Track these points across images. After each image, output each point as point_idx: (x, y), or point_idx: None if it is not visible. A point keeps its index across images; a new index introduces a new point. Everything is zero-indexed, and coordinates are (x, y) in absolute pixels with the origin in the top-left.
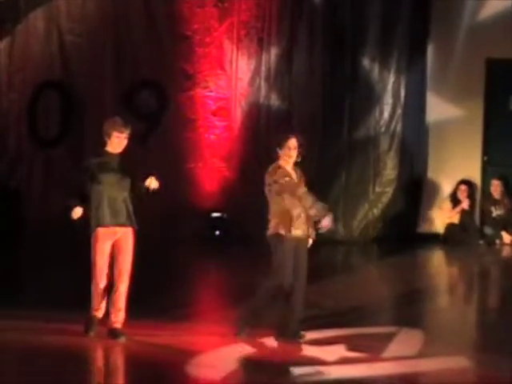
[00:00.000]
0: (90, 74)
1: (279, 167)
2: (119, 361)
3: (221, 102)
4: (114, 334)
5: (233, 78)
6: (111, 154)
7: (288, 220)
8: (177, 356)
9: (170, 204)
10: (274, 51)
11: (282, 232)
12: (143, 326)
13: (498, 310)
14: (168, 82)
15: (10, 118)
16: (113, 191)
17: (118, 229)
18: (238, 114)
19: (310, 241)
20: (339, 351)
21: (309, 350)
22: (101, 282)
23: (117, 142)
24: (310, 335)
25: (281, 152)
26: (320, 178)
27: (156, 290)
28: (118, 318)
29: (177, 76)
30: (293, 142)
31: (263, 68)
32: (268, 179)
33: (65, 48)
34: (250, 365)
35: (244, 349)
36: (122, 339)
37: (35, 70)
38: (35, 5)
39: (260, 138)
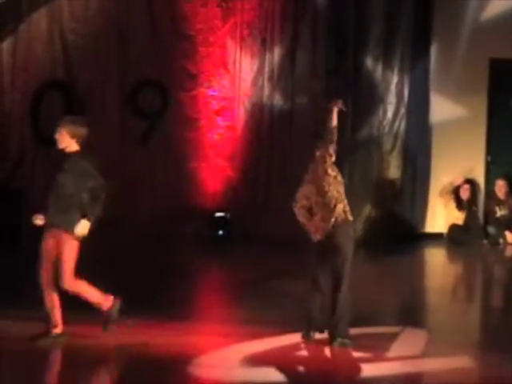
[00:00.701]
0: (92, 74)
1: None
2: (123, 361)
3: (224, 102)
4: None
5: (236, 78)
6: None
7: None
8: (179, 356)
9: (173, 203)
10: (277, 51)
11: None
12: (146, 325)
13: (501, 309)
14: (171, 81)
15: (13, 118)
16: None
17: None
18: (241, 113)
19: None
20: (344, 351)
21: (316, 350)
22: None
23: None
24: (317, 335)
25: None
26: None
27: (158, 289)
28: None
29: (180, 75)
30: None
31: (266, 68)
32: (334, 170)
33: (67, 48)
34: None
35: (247, 349)
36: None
37: (38, 70)
38: (38, 5)
39: (263, 137)
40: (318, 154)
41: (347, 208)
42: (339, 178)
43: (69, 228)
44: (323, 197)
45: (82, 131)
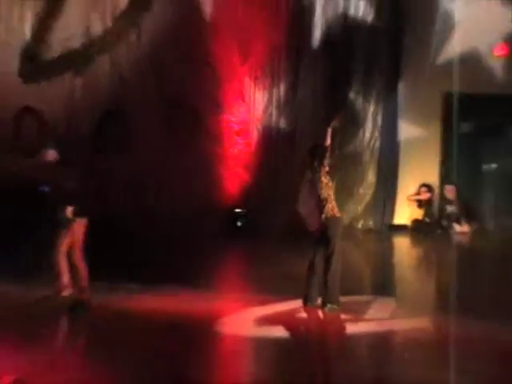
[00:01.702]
0: (140, 104)
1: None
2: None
3: (242, 125)
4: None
5: (251, 107)
6: None
7: None
8: (206, 317)
9: (203, 201)
10: (282, 86)
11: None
12: (179, 293)
13: (453, 281)
14: (203, 108)
15: (82, 138)
16: None
17: None
18: (255, 134)
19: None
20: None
21: (312, 314)
22: None
23: None
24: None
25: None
26: None
27: (188, 265)
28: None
29: (210, 104)
30: None
31: (274, 99)
32: (326, 178)
33: (123, 83)
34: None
35: (259, 309)
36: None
37: (101, 100)
38: (103, 51)
39: (272, 152)
40: (314, 164)
41: (335, 207)
42: (330, 184)
43: None
44: (317, 198)
45: None
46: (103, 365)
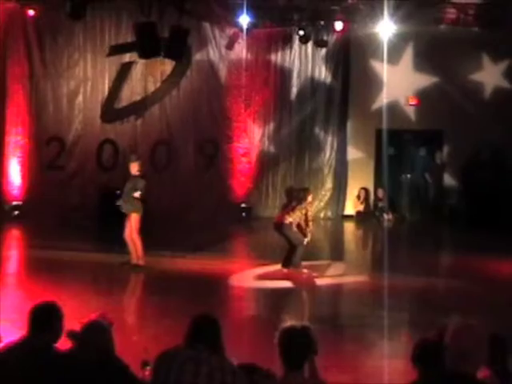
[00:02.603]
0: (180, 138)
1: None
2: (182, 275)
3: (245, 150)
4: (127, 264)
5: (251, 138)
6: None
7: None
8: (219, 274)
9: (220, 199)
10: (271, 125)
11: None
12: (199, 257)
13: (383, 250)
14: (220, 140)
15: (141, 159)
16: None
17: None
18: (254, 156)
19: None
20: (304, 272)
21: (292, 273)
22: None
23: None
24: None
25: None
26: (295, 185)
27: (203, 239)
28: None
29: (224, 137)
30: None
31: (266, 133)
32: (303, 209)
33: (169, 124)
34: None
35: (255, 271)
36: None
37: (153, 135)
38: (155, 102)
39: (264, 165)
40: (292, 204)
41: (303, 227)
42: (303, 212)
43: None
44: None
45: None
46: (156, 302)
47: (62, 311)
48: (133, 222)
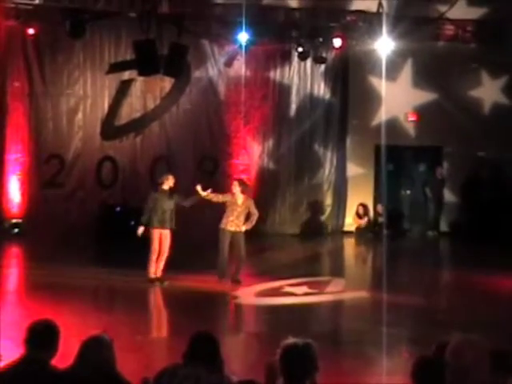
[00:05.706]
0: (179, 154)
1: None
2: (184, 296)
3: (245, 166)
4: (160, 281)
5: (251, 155)
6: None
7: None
8: (221, 291)
9: (219, 216)
10: (270, 141)
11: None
12: (200, 277)
13: (383, 266)
14: (219, 157)
15: (141, 176)
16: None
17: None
18: (253, 172)
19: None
20: (304, 289)
21: (288, 289)
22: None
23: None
24: (289, 282)
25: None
26: (294, 202)
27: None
28: (161, 272)
29: (223, 154)
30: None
31: (265, 150)
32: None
33: (168, 141)
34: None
35: (256, 287)
36: (165, 284)
37: (153, 151)
38: (154, 119)
39: (264, 181)
40: None
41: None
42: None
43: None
44: None
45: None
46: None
47: (59, 328)
48: (169, 237)
